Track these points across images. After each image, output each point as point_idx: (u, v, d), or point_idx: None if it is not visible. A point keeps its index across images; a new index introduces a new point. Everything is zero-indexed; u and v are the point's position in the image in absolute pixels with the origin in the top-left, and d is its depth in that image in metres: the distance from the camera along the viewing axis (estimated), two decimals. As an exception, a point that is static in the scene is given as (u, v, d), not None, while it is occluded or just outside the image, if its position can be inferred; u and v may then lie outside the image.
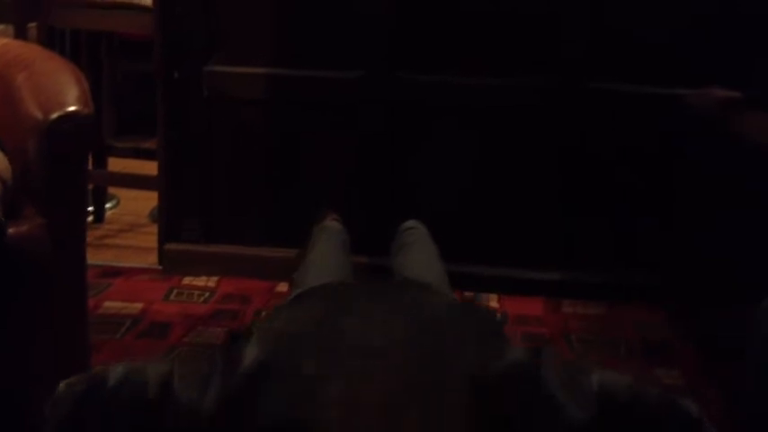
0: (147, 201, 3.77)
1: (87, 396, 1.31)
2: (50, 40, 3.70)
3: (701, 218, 2.93)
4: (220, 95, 3.33)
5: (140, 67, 4.08)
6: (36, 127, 2.23)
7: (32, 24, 3.60)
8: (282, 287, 3.19)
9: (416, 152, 3.33)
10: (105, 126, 3.98)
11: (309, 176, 3.37)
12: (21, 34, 3.54)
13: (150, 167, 3.62)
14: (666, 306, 3.15)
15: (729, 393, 2.38)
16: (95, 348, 2.55)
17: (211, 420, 1.22)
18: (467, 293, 3.13)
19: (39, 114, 2.24)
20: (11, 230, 2.06)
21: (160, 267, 3.41)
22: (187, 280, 3.32)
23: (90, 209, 3.74)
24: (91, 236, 3.13)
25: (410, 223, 2.87)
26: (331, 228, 2.90)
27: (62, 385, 1.34)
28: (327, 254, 2.71)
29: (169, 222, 3.44)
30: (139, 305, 3.12)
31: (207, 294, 3.23)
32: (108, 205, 3.97)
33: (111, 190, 4.02)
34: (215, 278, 3.33)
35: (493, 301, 3.16)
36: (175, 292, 3.25)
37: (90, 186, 3.46)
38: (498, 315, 3.02)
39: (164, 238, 3.43)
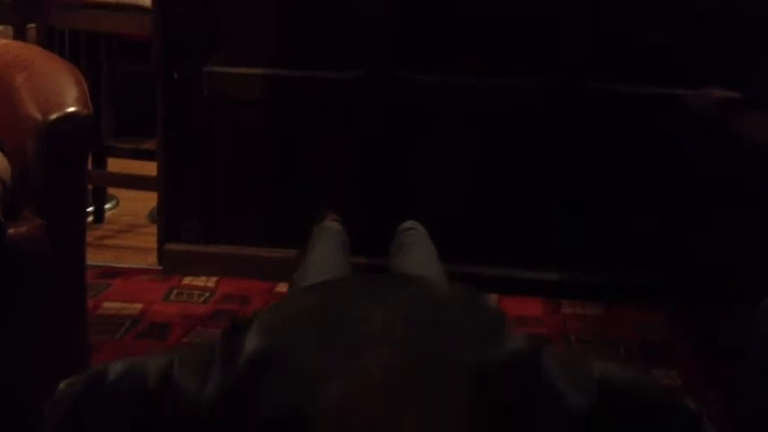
0: (147, 201, 3.77)
1: (87, 392, 1.31)
2: (50, 40, 3.70)
3: (701, 218, 2.93)
4: (220, 95, 3.33)
5: (140, 68, 4.08)
6: (35, 127, 2.23)
7: (32, 25, 3.60)
8: (282, 287, 3.19)
9: (416, 152, 3.33)
10: (105, 126, 3.99)
11: (309, 176, 3.37)
12: (20, 35, 3.54)
13: (150, 168, 3.62)
14: (666, 306, 3.15)
15: (729, 393, 2.38)
16: (95, 349, 2.55)
17: (212, 410, 1.22)
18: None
19: (38, 115, 2.24)
20: (10, 231, 2.06)
21: (160, 268, 3.41)
22: (187, 280, 3.32)
23: (89, 209, 3.74)
24: (90, 236, 3.12)
25: (409, 224, 2.87)
26: (331, 228, 2.90)
27: (62, 385, 1.34)
28: (327, 254, 2.71)
29: (169, 223, 3.44)
30: (139, 305, 3.12)
31: (207, 295, 3.23)
32: (107, 206, 3.97)
33: (111, 190, 4.02)
34: (215, 278, 3.33)
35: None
36: (175, 292, 3.25)
37: (89, 187, 3.46)
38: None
39: (163, 238, 3.43)
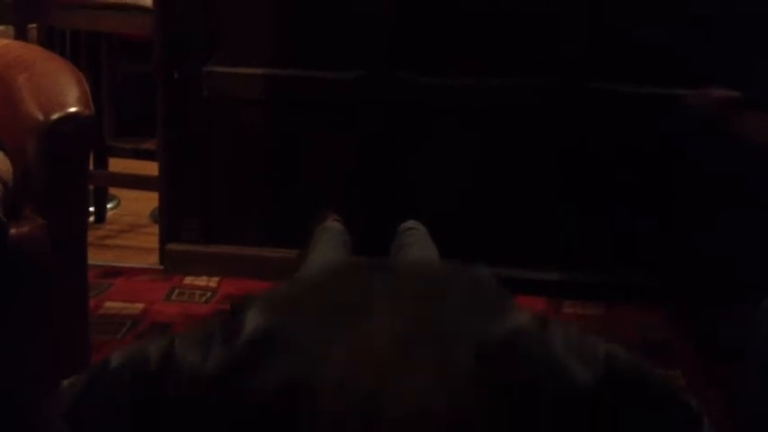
0: (148, 201, 3.77)
1: (90, 385, 1.32)
2: (50, 40, 3.71)
3: (701, 218, 2.93)
4: (220, 96, 3.33)
5: (140, 68, 4.08)
6: (37, 128, 2.24)
7: (33, 25, 3.61)
8: (283, 287, 3.19)
9: (416, 152, 3.33)
10: (105, 127, 3.99)
11: (309, 176, 3.37)
12: (21, 35, 3.54)
13: (151, 168, 3.62)
14: (666, 306, 3.15)
15: (729, 393, 2.38)
16: (96, 348, 2.55)
17: (213, 386, 1.22)
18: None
19: (39, 115, 2.25)
20: (12, 231, 2.07)
21: (161, 267, 3.41)
22: (188, 280, 3.32)
23: (91, 209, 3.74)
24: (92, 236, 3.12)
25: (410, 223, 2.87)
26: (332, 228, 2.90)
27: (65, 382, 1.35)
28: (329, 254, 2.71)
29: (170, 223, 3.44)
30: (140, 305, 3.12)
31: (208, 294, 3.23)
32: (109, 206, 3.97)
33: (112, 190, 4.02)
34: (216, 278, 3.33)
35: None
36: (176, 292, 3.25)
37: (91, 187, 3.46)
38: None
39: (165, 238, 3.43)
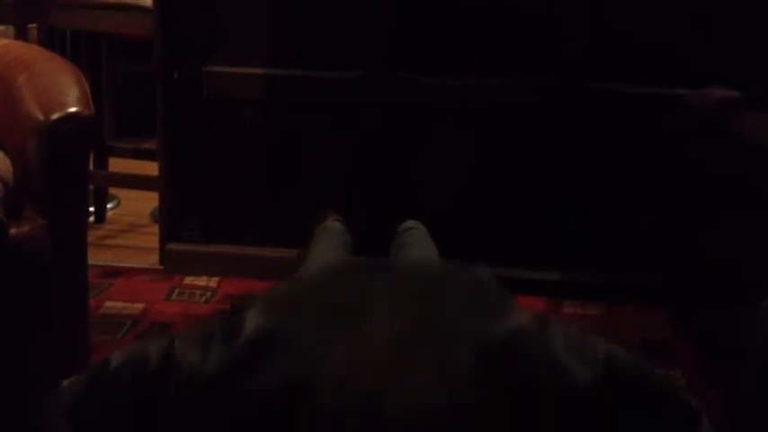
0: (148, 201, 3.78)
1: (90, 385, 1.32)
2: (51, 40, 3.71)
3: (701, 218, 2.93)
4: (220, 96, 3.33)
5: (140, 68, 4.08)
6: (37, 128, 2.24)
7: (33, 25, 3.61)
8: (283, 287, 3.19)
9: (416, 152, 3.33)
10: (106, 126, 3.99)
11: (309, 176, 3.37)
12: (21, 35, 3.54)
13: (151, 168, 3.62)
14: (666, 306, 3.15)
15: (729, 393, 2.38)
16: (96, 348, 2.55)
17: (212, 386, 1.22)
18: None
19: (39, 115, 2.25)
20: (12, 230, 2.07)
21: (161, 267, 3.42)
22: (188, 280, 3.33)
23: (91, 209, 3.74)
24: (92, 236, 3.13)
25: (410, 223, 2.87)
26: (332, 228, 2.90)
27: (65, 382, 1.35)
28: (329, 253, 2.71)
29: (170, 222, 3.44)
30: (140, 305, 3.13)
31: (208, 294, 3.23)
32: (109, 205, 3.98)
33: (112, 190, 4.02)
34: (216, 278, 3.33)
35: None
36: (177, 292, 3.25)
37: (91, 187, 3.46)
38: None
39: (165, 238, 3.44)
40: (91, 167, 3.02)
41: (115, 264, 3.44)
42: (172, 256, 3.41)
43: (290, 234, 3.24)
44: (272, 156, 3.38)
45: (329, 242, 2.77)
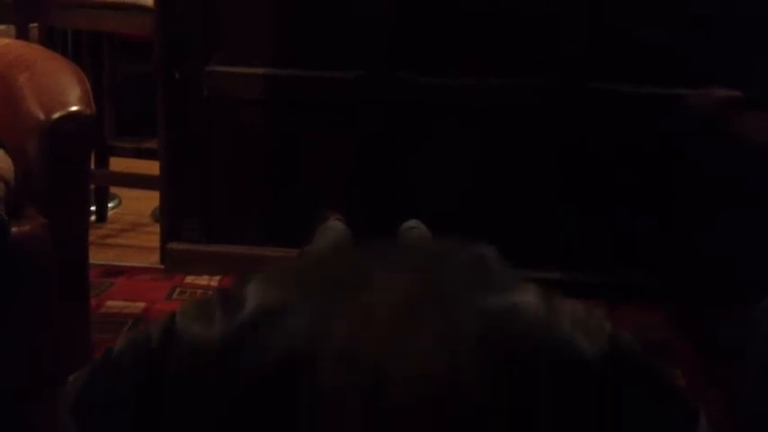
0: (149, 200, 3.78)
1: (92, 376, 1.32)
2: (52, 40, 3.71)
3: (701, 218, 2.93)
4: (220, 96, 3.34)
5: (140, 68, 4.08)
6: (38, 127, 2.24)
7: (34, 25, 3.61)
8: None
9: (416, 152, 3.33)
10: (107, 126, 3.99)
11: (309, 176, 3.38)
12: (22, 34, 3.54)
13: (152, 167, 3.62)
14: (666, 306, 3.15)
15: (729, 393, 2.38)
16: (97, 348, 2.55)
17: (214, 360, 1.22)
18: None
19: (41, 114, 2.25)
20: (13, 230, 2.07)
21: (162, 267, 3.42)
22: (189, 279, 3.33)
23: (92, 208, 3.75)
24: (93, 235, 3.13)
25: (411, 223, 2.88)
26: (334, 227, 2.90)
27: (70, 378, 1.35)
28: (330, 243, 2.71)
29: (171, 222, 3.44)
30: (141, 304, 3.13)
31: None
32: (110, 205, 3.98)
33: (113, 189, 4.03)
34: (217, 277, 3.33)
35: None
36: (178, 291, 3.25)
37: (92, 186, 3.47)
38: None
39: (166, 237, 3.44)
40: (92, 167, 3.03)
41: (116, 263, 3.45)
42: (173, 255, 3.41)
43: (290, 234, 3.24)
44: (272, 155, 3.38)
45: (331, 238, 2.77)
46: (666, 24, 3.21)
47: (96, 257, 3.10)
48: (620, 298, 3.25)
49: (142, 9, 3.44)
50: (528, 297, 1.26)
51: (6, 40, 2.68)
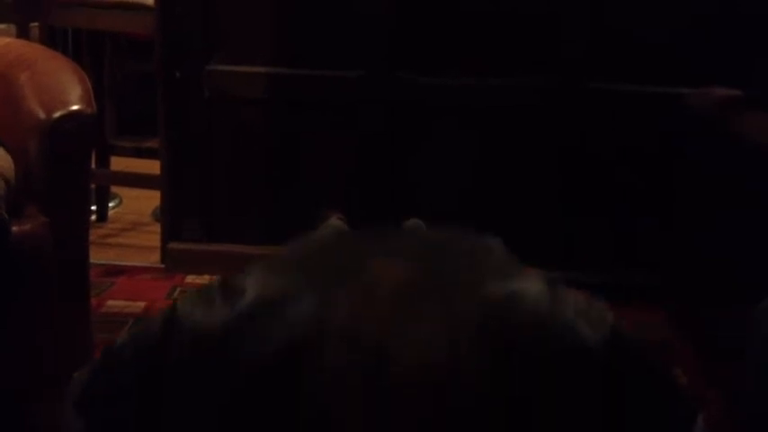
0: (150, 200, 3.78)
1: (95, 370, 1.32)
2: (52, 39, 3.71)
3: (701, 218, 2.93)
4: (221, 95, 3.34)
5: (140, 67, 4.08)
6: (39, 126, 2.24)
7: (35, 24, 3.61)
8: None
9: (416, 152, 3.33)
10: (107, 125, 3.99)
11: (309, 176, 3.38)
12: (23, 34, 3.55)
13: (152, 166, 3.62)
14: (666, 306, 3.15)
15: (729, 393, 2.38)
16: (98, 347, 2.55)
17: (215, 346, 1.22)
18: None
19: (41, 113, 2.25)
20: (14, 229, 2.07)
21: (163, 266, 3.42)
22: (190, 279, 3.33)
23: (93, 208, 3.75)
24: (94, 235, 3.13)
25: (412, 223, 2.87)
26: (335, 226, 2.90)
27: (75, 374, 1.35)
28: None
29: (171, 221, 3.44)
30: (142, 304, 3.13)
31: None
32: (111, 204, 3.98)
33: (114, 189, 4.03)
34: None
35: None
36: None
37: (93, 185, 3.47)
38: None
39: (166, 236, 3.44)
40: (93, 166, 3.02)
41: (117, 262, 3.45)
42: (173, 254, 3.41)
43: (290, 234, 3.24)
44: (272, 155, 3.38)
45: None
46: (666, 24, 3.22)
47: (97, 257, 3.10)
48: (620, 298, 3.22)
49: (143, 8, 3.44)
50: (531, 285, 1.26)
51: (7, 40, 2.68)
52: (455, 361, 1.14)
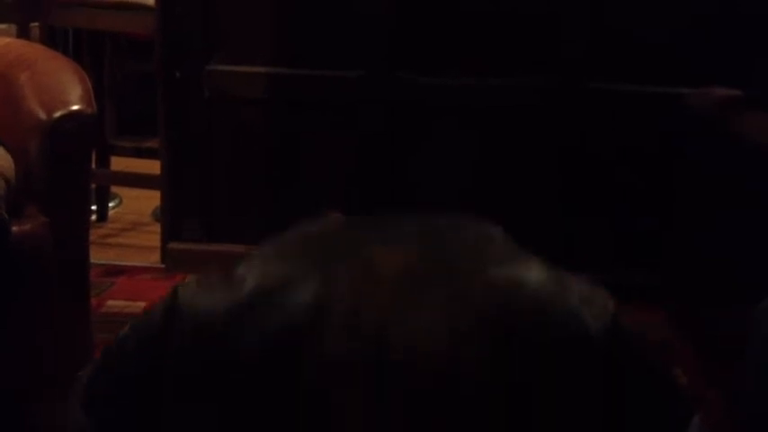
0: (150, 200, 3.78)
1: (98, 366, 1.32)
2: (53, 39, 3.71)
3: (701, 218, 2.93)
4: (221, 95, 3.34)
5: (140, 67, 4.08)
6: (39, 126, 2.24)
7: (35, 24, 3.61)
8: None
9: (416, 152, 3.33)
10: (107, 125, 3.99)
11: (309, 176, 3.37)
12: (23, 34, 3.55)
13: (153, 166, 3.62)
14: (666, 306, 3.15)
15: (729, 393, 2.38)
16: (98, 347, 2.55)
17: (216, 333, 1.22)
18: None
19: (42, 113, 2.25)
20: (14, 229, 2.07)
21: (163, 266, 3.42)
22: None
23: (93, 208, 3.74)
24: (94, 234, 3.13)
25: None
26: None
27: (81, 372, 1.35)
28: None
29: (172, 221, 3.44)
30: (142, 304, 3.12)
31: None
32: (111, 204, 3.98)
33: (114, 189, 4.02)
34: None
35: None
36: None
37: (93, 185, 3.46)
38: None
39: (166, 236, 3.44)
40: (93, 166, 3.03)
41: (117, 262, 3.45)
42: (173, 254, 3.41)
43: (290, 233, 3.24)
44: (272, 155, 3.38)
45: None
46: (666, 24, 3.22)
47: (97, 257, 3.10)
48: (620, 298, 3.24)
49: (143, 8, 3.44)
50: (533, 271, 1.25)
51: (7, 40, 2.68)
52: (456, 347, 1.14)
